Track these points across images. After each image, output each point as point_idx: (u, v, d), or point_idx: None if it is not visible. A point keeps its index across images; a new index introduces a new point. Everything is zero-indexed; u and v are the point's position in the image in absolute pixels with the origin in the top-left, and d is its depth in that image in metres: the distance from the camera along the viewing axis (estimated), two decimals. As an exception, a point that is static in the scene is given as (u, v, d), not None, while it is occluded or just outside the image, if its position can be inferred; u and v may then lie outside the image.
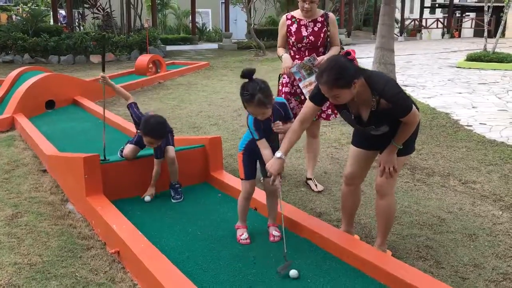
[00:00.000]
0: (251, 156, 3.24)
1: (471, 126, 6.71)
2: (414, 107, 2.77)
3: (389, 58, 6.03)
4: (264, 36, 21.43)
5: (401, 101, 2.71)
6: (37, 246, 3.36)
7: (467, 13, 33.03)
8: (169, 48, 19.63)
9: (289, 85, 4.28)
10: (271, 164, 2.97)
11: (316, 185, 4.45)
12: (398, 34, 26.63)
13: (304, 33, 4.12)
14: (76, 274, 3.03)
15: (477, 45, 13.91)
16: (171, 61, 14.56)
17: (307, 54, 4.12)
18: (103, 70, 4.17)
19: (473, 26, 29.18)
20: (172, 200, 4.03)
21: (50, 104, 7.77)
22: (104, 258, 3.24)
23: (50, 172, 4.85)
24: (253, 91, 2.91)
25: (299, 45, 4.14)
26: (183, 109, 8.26)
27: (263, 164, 3.13)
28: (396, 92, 2.70)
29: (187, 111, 8.09)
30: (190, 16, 23.78)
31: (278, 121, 3.09)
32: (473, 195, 4.26)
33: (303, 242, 3.27)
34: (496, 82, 10.51)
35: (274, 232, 3.35)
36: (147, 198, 4.02)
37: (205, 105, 8.49)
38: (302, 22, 4.13)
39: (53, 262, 3.17)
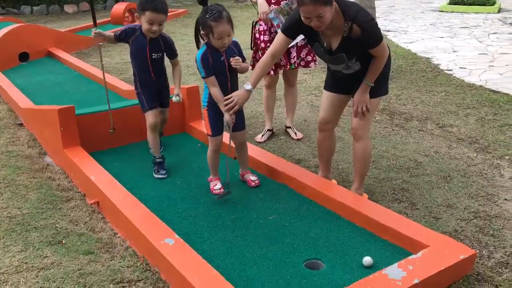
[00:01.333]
0: (216, 110, 3.14)
1: (451, 70, 6.72)
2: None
3: (369, 2, 5.91)
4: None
5: (373, 28, 2.70)
6: (16, 199, 3.35)
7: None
8: (146, -4, 18.98)
9: (267, 32, 4.18)
10: (239, 96, 2.95)
11: (295, 133, 4.47)
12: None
13: None
14: (56, 225, 3.05)
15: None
16: (149, 10, 14.11)
17: None
18: (95, 24, 3.73)
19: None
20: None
21: (24, 57, 7.54)
22: (84, 209, 3.26)
23: (27, 125, 4.78)
24: (219, 9, 2.91)
25: None
26: (162, 59, 8.08)
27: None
28: (368, 19, 2.70)
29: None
30: (167, -38, 22.88)
31: (237, 56, 3.05)
32: (449, 138, 4.32)
33: (281, 187, 3.32)
34: (477, 26, 10.44)
35: (251, 177, 3.40)
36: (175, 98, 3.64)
37: (183, 54, 8.31)
38: None
39: (33, 214, 3.18)
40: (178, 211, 3.04)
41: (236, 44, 3.16)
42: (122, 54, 8.52)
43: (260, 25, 4.19)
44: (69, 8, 14.79)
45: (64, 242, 2.87)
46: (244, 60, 3.13)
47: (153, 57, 3.53)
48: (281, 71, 4.30)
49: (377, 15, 6.84)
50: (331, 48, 2.86)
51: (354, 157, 3.22)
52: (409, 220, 2.75)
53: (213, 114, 3.18)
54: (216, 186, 3.31)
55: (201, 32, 2.99)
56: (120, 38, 3.48)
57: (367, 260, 2.45)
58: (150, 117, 3.52)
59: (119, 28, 3.75)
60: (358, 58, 2.84)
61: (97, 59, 8.16)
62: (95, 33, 3.41)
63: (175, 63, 3.72)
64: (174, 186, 3.40)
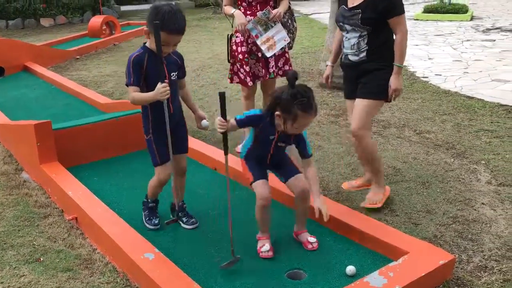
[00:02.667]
0: (255, 161, 2.78)
1: (427, 77, 6.84)
2: None
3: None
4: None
5: (399, 1, 2.96)
6: (-9, 217, 3.28)
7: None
8: (124, 8, 18.90)
9: (244, 43, 4.19)
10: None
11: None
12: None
13: None
14: (34, 242, 2.99)
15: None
16: (126, 22, 14.05)
17: (259, 9, 4.03)
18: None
19: (430, -22, 29.26)
20: (185, 226, 3.05)
21: (-1, 71, 7.44)
22: (62, 225, 3.21)
23: (3, 142, 4.69)
24: (308, 95, 2.47)
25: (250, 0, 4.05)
26: (140, 71, 8.03)
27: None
28: None
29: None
30: (145, -26, 22.87)
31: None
32: (427, 144, 4.38)
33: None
34: (452, 33, 10.67)
35: (310, 239, 2.77)
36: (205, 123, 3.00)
37: (163, 66, 8.29)
38: None
39: (9, 232, 3.11)
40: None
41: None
42: (99, 67, 8.46)
43: (237, 37, 4.20)
44: (45, 22, 14.64)
45: (42, 259, 2.81)
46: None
47: (172, 78, 2.79)
48: (259, 82, 4.31)
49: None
50: (353, 3, 3.04)
51: (360, 158, 3.40)
52: (389, 227, 2.78)
53: (252, 163, 2.77)
54: (264, 247, 2.68)
55: (277, 112, 2.49)
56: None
57: (350, 269, 2.45)
58: (162, 174, 2.89)
59: None
60: (369, 34, 3.00)
61: (74, 72, 8.10)
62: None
63: (183, 84, 3.03)
64: (154, 199, 3.36)
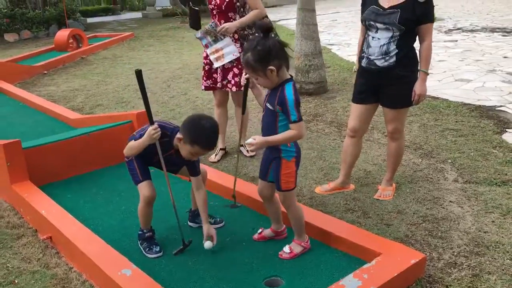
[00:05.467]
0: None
1: (393, 79, 6.99)
2: None
3: (311, 19, 6.09)
4: (189, 2, 20.87)
5: (433, 7, 3.09)
6: (-39, 242, 3.22)
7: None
8: (90, 20, 18.75)
9: (205, 50, 4.27)
10: None
11: (248, 150, 4.52)
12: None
13: None
14: (8, 264, 2.95)
15: None
16: (93, 34, 13.93)
17: (217, 18, 4.09)
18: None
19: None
20: (216, 226, 3.11)
21: (-38, 90, 7.27)
22: (37, 245, 3.17)
23: (-30, 162, 4.59)
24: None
25: (210, 7, 4.12)
26: (109, 84, 7.99)
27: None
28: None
29: (113, 86, 7.84)
30: (110, -15, 22.75)
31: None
32: (395, 146, 4.50)
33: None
34: (415, 35, 10.94)
35: (285, 249, 2.80)
36: (208, 244, 2.84)
37: (132, 78, 8.24)
38: None
39: (-19, 255, 3.06)
40: (134, 240, 3.00)
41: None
42: (68, 82, 8.36)
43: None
44: (9, 37, 14.39)
45: (16, 281, 2.77)
46: None
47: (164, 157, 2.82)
48: (219, 90, 4.37)
49: (320, 29, 7.04)
50: (389, 4, 3.13)
51: (388, 154, 3.60)
52: (361, 229, 2.85)
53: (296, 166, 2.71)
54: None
55: (271, 67, 2.44)
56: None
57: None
58: (145, 189, 2.83)
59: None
60: (401, 36, 3.10)
61: (42, 88, 7.98)
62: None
63: (198, 183, 2.90)
64: (129, 214, 3.36)
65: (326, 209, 3.41)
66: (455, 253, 2.79)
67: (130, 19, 20.36)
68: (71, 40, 11.56)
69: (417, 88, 3.20)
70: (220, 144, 4.57)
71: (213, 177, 3.67)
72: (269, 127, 2.60)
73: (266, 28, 2.48)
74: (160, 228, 3.10)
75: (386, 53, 3.17)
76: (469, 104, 5.58)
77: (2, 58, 10.41)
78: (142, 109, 4.56)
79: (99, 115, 5.36)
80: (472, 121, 4.99)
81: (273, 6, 21.67)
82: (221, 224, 3.16)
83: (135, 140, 2.78)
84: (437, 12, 14.20)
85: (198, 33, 4.08)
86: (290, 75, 2.58)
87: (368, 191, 3.67)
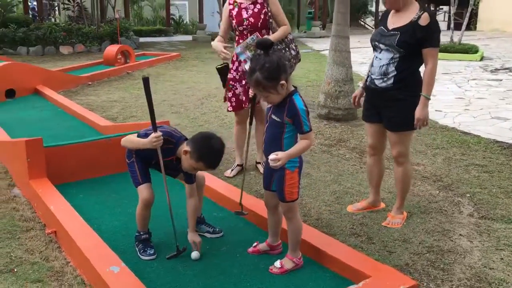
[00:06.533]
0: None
1: (427, 113, 6.85)
2: None
3: (344, 46, 6.10)
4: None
5: (438, 28, 3.09)
6: (-25, 229, 3.37)
7: (440, 7, 33.44)
8: (143, 39, 19.48)
9: (232, 71, 4.31)
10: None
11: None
12: (374, 27, 26.84)
13: (245, 15, 4.15)
14: (11, 254, 3.05)
15: (449, 38, 14.18)
16: (142, 52, 14.47)
17: (249, 36, 4.15)
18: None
19: (446, 19, 29.57)
20: (214, 235, 3.17)
21: (10, 93, 7.69)
22: (42, 238, 3.27)
23: (1, 158, 4.83)
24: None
25: (240, 28, 4.18)
26: (147, 98, 8.22)
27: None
28: (437, 25, 3.09)
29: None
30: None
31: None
32: (414, 176, 4.37)
33: (239, 220, 3.35)
34: (459, 72, 10.72)
35: (276, 263, 2.77)
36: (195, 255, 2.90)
37: (170, 94, 8.48)
38: (242, 5, 4.17)
39: (-11, 243, 3.18)
40: (132, 241, 3.04)
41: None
42: (109, 93, 8.68)
43: (227, 64, 4.33)
44: (64, 50, 15.16)
45: (15, 270, 2.86)
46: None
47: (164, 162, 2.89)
48: (244, 109, 4.40)
49: (357, 57, 7.03)
50: (393, 26, 3.18)
51: (395, 180, 3.54)
52: (356, 251, 2.78)
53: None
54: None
55: (282, 82, 2.46)
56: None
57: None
58: (145, 192, 2.91)
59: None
60: (401, 58, 3.11)
61: (83, 97, 8.32)
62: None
63: (192, 191, 2.96)
64: (133, 217, 3.37)
65: (330, 231, 3.35)
66: (454, 286, 2.67)
67: (180, 41, 21.00)
68: (119, 56, 12.05)
69: (416, 112, 3.15)
70: (237, 160, 4.60)
71: (221, 189, 3.70)
72: (274, 139, 2.61)
73: (268, 45, 2.52)
74: (159, 232, 3.14)
75: (385, 74, 3.19)
76: (502, 142, 5.38)
77: (54, 68, 10.95)
78: (171, 121, 4.69)
79: (126, 123, 5.54)
80: (501, 159, 4.80)
81: (320, 37, 21.84)
82: (219, 234, 3.16)
83: (138, 136, 2.86)
84: (487, 52, 13.95)
85: (238, 48, 4.07)
86: (294, 86, 2.60)
87: (377, 217, 3.58)
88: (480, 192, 3.99)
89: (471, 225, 3.43)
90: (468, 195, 3.93)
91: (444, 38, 15.58)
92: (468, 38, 17.09)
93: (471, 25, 26.39)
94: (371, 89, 3.34)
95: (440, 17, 31.04)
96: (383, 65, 3.19)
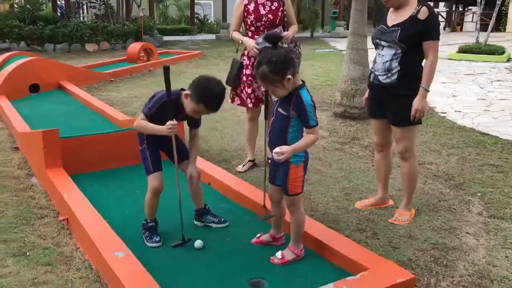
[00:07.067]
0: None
1: (445, 113, 6.79)
2: None
3: (361, 44, 6.09)
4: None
5: (437, 21, 3.14)
6: (-7, 215, 3.50)
7: (469, 7, 32.88)
8: (166, 38, 19.75)
9: (249, 66, 4.36)
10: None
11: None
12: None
13: (263, 11, 4.20)
14: (25, 239, 3.17)
15: (474, 39, 13.98)
16: (165, 50, 14.66)
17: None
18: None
19: (474, 20, 29.03)
20: (219, 225, 3.22)
21: (34, 88, 7.91)
22: (55, 225, 3.38)
23: (21, 149, 4.99)
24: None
25: (258, 24, 4.22)
26: (166, 94, 8.34)
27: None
28: (436, 18, 3.13)
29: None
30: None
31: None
32: (426, 175, 4.35)
33: (246, 212, 3.41)
34: (483, 73, 10.54)
35: (277, 254, 2.80)
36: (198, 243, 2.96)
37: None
38: (259, 1, 4.21)
39: (5, 228, 3.31)
40: (138, 229, 3.11)
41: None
42: (130, 90, 8.85)
43: (243, 59, 4.38)
44: (90, 47, 15.48)
45: (28, 254, 2.98)
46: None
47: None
48: (262, 105, 4.44)
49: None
50: (393, 23, 3.21)
51: (401, 176, 3.55)
52: (358, 245, 2.79)
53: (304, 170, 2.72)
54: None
55: (288, 76, 2.49)
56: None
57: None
58: (154, 181, 2.98)
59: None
60: (403, 54, 3.14)
61: (104, 93, 8.50)
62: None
63: (195, 134, 3.11)
64: (143, 206, 3.48)
65: (336, 226, 3.37)
66: (455, 282, 2.66)
67: (204, 40, 21.19)
68: (142, 54, 12.25)
69: (415, 103, 3.16)
70: (249, 156, 4.65)
71: (231, 182, 3.75)
72: (279, 132, 2.64)
73: (276, 38, 2.55)
74: (166, 221, 3.21)
75: (389, 70, 3.22)
76: (520, 143, 5.29)
77: (79, 64, 11.21)
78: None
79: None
80: (517, 159, 4.73)
81: (344, 37, 21.71)
82: (224, 224, 3.21)
83: (148, 109, 2.88)
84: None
85: (260, 38, 4.10)
86: (302, 80, 2.63)
87: (384, 214, 3.58)
88: (492, 191, 3.94)
89: (479, 223, 3.40)
90: (479, 194, 3.89)
91: (471, 40, 15.39)
92: (496, 39, 16.76)
93: (500, 26, 25.87)
94: (375, 85, 3.36)
95: (468, 17, 30.55)
96: (387, 61, 3.22)
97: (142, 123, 2.93)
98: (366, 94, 3.61)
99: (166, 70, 2.76)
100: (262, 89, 4.29)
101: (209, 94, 2.76)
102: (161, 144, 3.05)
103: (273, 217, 2.92)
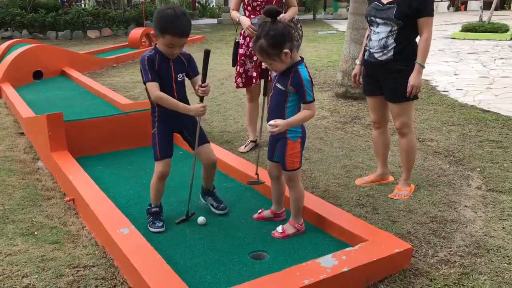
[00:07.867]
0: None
1: (447, 91, 6.80)
2: None
3: (362, 23, 6.07)
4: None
5: (431, 2, 3.15)
6: (1, 197, 3.58)
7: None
8: (168, 23, 19.65)
9: (244, 46, 4.39)
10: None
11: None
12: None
13: None
14: (33, 219, 3.25)
15: (477, 17, 13.87)
16: (167, 35, 14.61)
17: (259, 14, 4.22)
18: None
19: (478, -1, 28.72)
20: (217, 211, 3.18)
21: (38, 75, 7.96)
22: (61, 206, 3.46)
23: (26, 134, 5.07)
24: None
25: (254, 4, 4.24)
26: (169, 79, 8.39)
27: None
28: None
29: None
30: (191, -8, 23.75)
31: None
32: (426, 151, 4.40)
33: (248, 189, 3.47)
34: (486, 52, 10.49)
35: (278, 228, 2.88)
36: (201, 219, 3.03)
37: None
38: None
39: (13, 209, 3.39)
40: (143, 207, 3.19)
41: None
42: (132, 75, 8.88)
43: (240, 39, 4.41)
44: (92, 34, 15.48)
45: (36, 233, 3.06)
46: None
47: (178, 79, 2.90)
48: (255, 85, 4.48)
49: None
50: (387, 0, 3.22)
51: (400, 151, 3.60)
52: (357, 218, 2.86)
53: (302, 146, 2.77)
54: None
55: (286, 50, 2.54)
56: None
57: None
58: (161, 166, 2.94)
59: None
60: (399, 30, 3.17)
61: (107, 78, 8.55)
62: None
63: (195, 82, 2.94)
64: (147, 187, 3.52)
65: (336, 201, 3.42)
66: (452, 252, 2.72)
67: (205, 24, 21.12)
68: (144, 39, 12.25)
69: (411, 79, 3.20)
70: (250, 137, 4.70)
71: (233, 162, 3.82)
72: (277, 107, 2.69)
73: (275, 12, 2.58)
74: (171, 200, 3.29)
75: (385, 46, 3.24)
76: (521, 119, 5.31)
77: (81, 51, 11.24)
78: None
79: (145, 101, 5.68)
80: (518, 135, 4.76)
81: (346, 19, 21.54)
82: (223, 211, 3.15)
83: (147, 76, 2.78)
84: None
85: (255, 19, 4.12)
86: (301, 57, 2.66)
87: (384, 190, 3.63)
88: (491, 166, 3.98)
89: (477, 197, 3.45)
90: (478, 169, 3.93)
91: (475, 18, 15.26)
92: (500, 17, 16.62)
93: (505, 5, 25.59)
94: (370, 62, 3.38)
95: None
96: (382, 38, 3.24)
97: (162, 95, 2.78)
98: (356, 71, 3.63)
99: (207, 54, 2.70)
100: (256, 70, 4.34)
101: (167, 20, 2.65)
102: (174, 124, 2.97)
103: (260, 184, 3.18)
